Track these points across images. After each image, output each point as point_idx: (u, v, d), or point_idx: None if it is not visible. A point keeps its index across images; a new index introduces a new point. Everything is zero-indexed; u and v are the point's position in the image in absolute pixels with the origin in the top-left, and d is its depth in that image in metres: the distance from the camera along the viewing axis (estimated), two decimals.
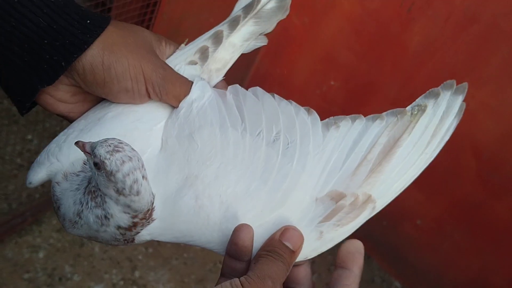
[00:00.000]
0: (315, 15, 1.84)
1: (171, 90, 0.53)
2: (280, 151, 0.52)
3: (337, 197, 0.51)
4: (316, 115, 0.56)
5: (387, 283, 2.03)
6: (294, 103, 0.56)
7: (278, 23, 0.60)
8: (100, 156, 0.41)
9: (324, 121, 0.55)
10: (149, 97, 0.53)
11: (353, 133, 0.54)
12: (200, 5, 1.46)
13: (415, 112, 0.55)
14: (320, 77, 1.94)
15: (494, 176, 1.67)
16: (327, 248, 0.52)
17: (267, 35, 0.61)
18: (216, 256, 1.83)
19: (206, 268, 1.80)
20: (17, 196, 1.63)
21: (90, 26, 0.48)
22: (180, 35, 1.49)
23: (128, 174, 0.42)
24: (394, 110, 0.55)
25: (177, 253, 1.79)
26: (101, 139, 0.43)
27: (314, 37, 1.88)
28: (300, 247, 0.49)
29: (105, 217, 0.45)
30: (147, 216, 0.47)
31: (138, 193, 0.43)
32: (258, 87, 0.57)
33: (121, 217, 0.45)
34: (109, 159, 0.41)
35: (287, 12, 0.58)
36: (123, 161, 0.41)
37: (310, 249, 0.51)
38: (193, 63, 0.57)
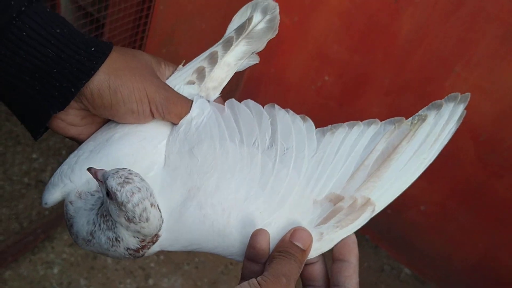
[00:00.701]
0: (304, 12, 1.86)
1: (173, 109, 0.56)
2: (277, 157, 0.54)
3: (335, 200, 0.53)
4: (311, 122, 0.58)
5: (397, 271, 2.05)
6: (291, 111, 0.59)
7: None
8: (111, 187, 0.44)
9: (320, 128, 0.58)
10: (153, 116, 0.56)
11: (351, 138, 0.56)
12: (191, 13, 1.48)
13: (415, 122, 0.56)
14: (314, 73, 1.96)
15: (493, 156, 1.69)
16: (328, 248, 0.54)
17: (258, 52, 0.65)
18: (226, 259, 1.85)
19: (218, 270, 1.82)
20: (27, 214, 1.66)
21: (95, 53, 0.50)
22: (174, 44, 1.51)
23: (138, 204, 0.44)
24: (392, 119, 0.57)
25: (188, 258, 1.82)
26: (112, 169, 0.46)
27: (305, 35, 1.91)
28: (310, 246, 0.52)
29: (116, 239, 0.48)
30: (154, 239, 0.50)
31: (147, 219, 0.45)
32: (250, 100, 0.60)
33: (131, 241, 0.48)
34: (120, 190, 0.44)
35: (276, 32, 0.62)
36: (133, 193, 0.44)
37: (311, 249, 0.53)
38: (191, 82, 0.61)
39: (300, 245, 0.51)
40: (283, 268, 0.48)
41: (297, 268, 0.50)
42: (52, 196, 0.53)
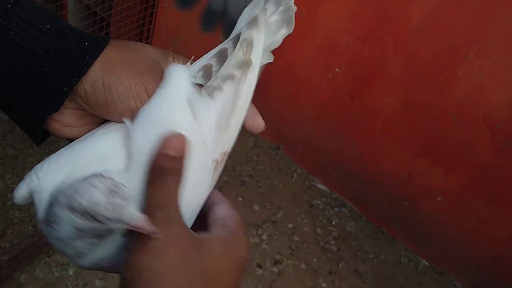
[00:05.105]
0: (312, 4, 1.84)
1: None
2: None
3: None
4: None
5: (415, 263, 2.03)
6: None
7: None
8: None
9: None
10: None
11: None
12: (196, 10, 1.46)
13: (245, 50, 0.53)
14: (324, 65, 1.94)
15: (510, 144, 1.66)
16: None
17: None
18: None
19: None
20: None
21: (89, 47, 0.47)
22: (181, 41, 1.50)
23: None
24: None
25: None
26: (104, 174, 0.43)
27: (313, 27, 1.88)
28: (185, 146, 0.47)
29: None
30: None
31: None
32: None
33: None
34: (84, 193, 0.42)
35: (292, 26, 0.58)
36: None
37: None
38: None
39: (173, 152, 0.46)
40: (154, 198, 0.44)
41: (174, 186, 0.45)
42: (19, 190, 0.49)
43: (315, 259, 1.92)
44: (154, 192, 0.45)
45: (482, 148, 1.72)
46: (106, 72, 0.48)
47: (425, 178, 1.88)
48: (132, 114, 0.50)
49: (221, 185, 2.03)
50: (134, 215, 0.42)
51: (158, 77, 0.51)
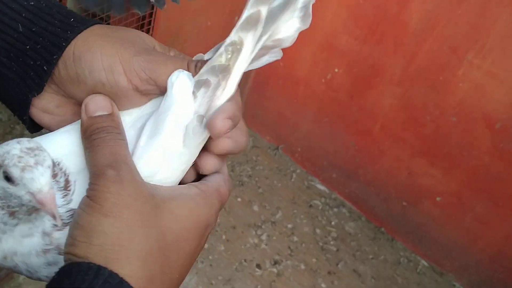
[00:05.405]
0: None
1: (165, 71, 0.43)
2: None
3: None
4: None
5: (414, 263, 2.03)
6: None
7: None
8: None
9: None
10: (138, 90, 0.44)
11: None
12: (195, 11, 1.46)
13: (229, 56, 0.43)
14: (323, 65, 1.93)
15: (510, 144, 1.66)
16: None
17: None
18: (241, 255, 1.84)
19: (232, 267, 1.81)
20: None
21: (74, 23, 0.44)
22: (180, 42, 1.49)
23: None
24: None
25: (202, 256, 1.81)
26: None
27: (313, 27, 1.86)
28: (108, 103, 0.43)
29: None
30: None
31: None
32: None
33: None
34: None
35: (308, 20, 0.48)
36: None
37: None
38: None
39: (103, 112, 0.42)
40: (100, 159, 0.39)
41: (117, 143, 0.41)
42: None
43: (314, 260, 1.92)
44: (97, 155, 0.40)
45: (481, 148, 1.71)
46: (78, 42, 0.44)
47: (425, 178, 1.87)
48: (105, 90, 0.44)
49: None
50: (38, 182, 0.38)
51: (138, 48, 0.44)
